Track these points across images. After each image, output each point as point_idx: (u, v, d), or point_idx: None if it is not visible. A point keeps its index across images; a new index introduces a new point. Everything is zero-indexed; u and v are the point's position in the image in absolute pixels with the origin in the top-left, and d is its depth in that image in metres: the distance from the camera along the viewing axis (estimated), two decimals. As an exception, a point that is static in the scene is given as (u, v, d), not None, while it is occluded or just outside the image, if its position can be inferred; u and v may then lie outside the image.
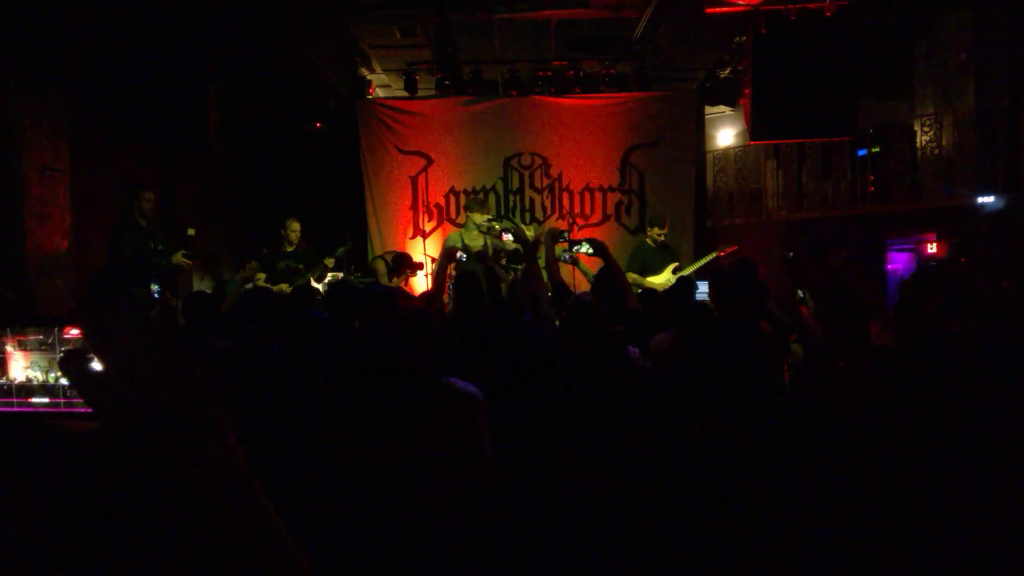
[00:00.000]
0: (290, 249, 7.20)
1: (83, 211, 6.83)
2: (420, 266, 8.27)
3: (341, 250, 7.65)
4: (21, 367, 0.71)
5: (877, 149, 11.44)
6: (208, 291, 7.55)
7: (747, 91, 7.73)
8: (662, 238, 7.61)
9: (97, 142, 6.41)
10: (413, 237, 9.42)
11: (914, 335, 3.64)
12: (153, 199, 6.20)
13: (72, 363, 0.63)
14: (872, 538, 2.38)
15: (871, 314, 3.87)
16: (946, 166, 10.81)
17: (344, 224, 9.66)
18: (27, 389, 0.70)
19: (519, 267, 7.36)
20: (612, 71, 9.70)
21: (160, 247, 6.21)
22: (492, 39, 9.27)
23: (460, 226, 9.46)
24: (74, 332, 0.69)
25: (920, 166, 11.14)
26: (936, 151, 10.97)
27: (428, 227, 9.45)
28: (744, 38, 8.36)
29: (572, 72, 9.63)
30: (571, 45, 9.58)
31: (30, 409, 0.69)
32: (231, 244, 9.13)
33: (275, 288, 7.03)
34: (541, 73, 9.70)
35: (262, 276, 7.24)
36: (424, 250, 9.06)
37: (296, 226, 7.19)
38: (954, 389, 2.88)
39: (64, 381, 0.69)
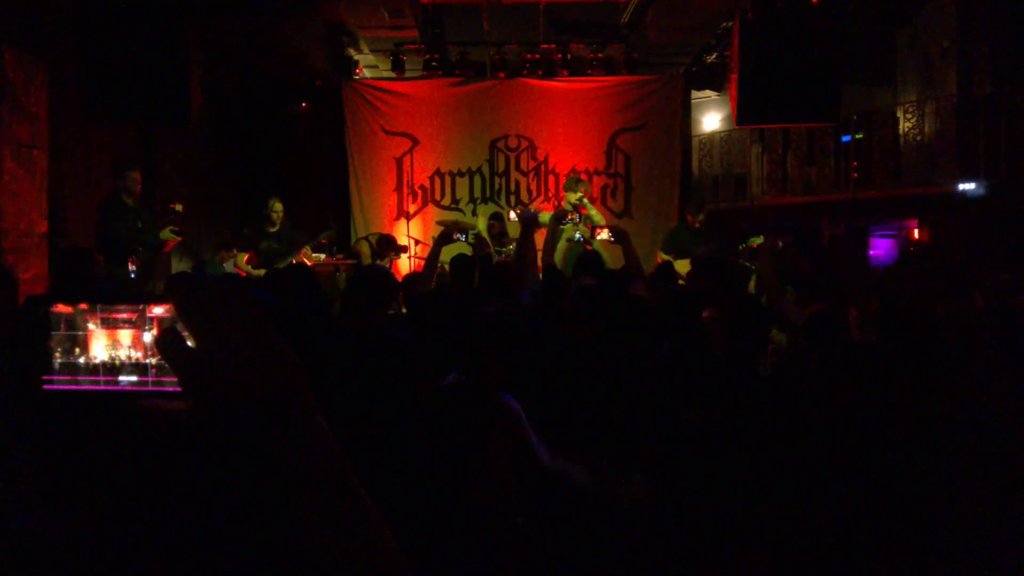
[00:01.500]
0: (273, 230, 7.13)
1: (60, 189, 6.74)
2: (405, 248, 8.25)
3: (325, 234, 7.61)
4: (106, 345, 0.70)
5: (860, 135, 11.52)
6: (188, 271, 7.51)
7: (733, 76, 7.76)
8: (697, 224, 7.50)
9: (75, 119, 6.30)
10: (397, 219, 9.38)
11: (896, 320, 3.68)
12: (138, 178, 6.12)
13: (168, 340, 0.62)
14: (865, 530, 2.41)
15: (856, 300, 3.90)
16: (928, 153, 10.92)
17: (327, 205, 9.61)
18: (114, 367, 0.69)
19: (507, 248, 7.37)
20: (600, 55, 9.68)
21: (145, 226, 6.15)
22: (480, 21, 9.21)
23: (445, 208, 9.47)
24: (158, 310, 0.68)
25: (902, 152, 11.24)
26: (918, 138, 11.07)
27: (412, 209, 9.42)
28: (731, 23, 8.37)
29: (560, 55, 9.60)
30: (559, 28, 9.54)
31: (118, 388, 0.69)
32: (213, 224, 9.05)
33: (255, 271, 6.99)
34: (529, 55, 9.65)
35: (244, 256, 7.19)
36: (408, 232, 9.03)
37: (278, 206, 7.12)
38: (939, 369, 2.92)
39: (152, 360, 0.69)
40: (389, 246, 7.64)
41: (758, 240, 7.09)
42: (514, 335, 2.56)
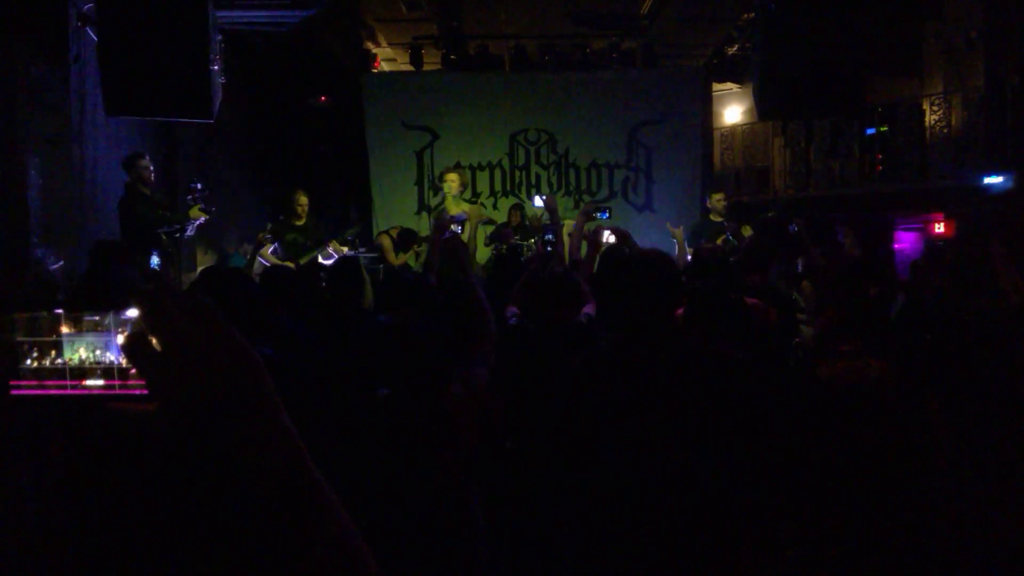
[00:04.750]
0: (299, 223, 7.14)
1: (86, 183, 6.82)
2: (427, 241, 8.24)
3: (351, 231, 7.61)
4: (75, 348, 0.71)
5: (885, 128, 11.35)
6: (214, 264, 7.56)
7: (755, 68, 7.67)
8: (722, 204, 7.11)
9: (100, 112, 6.36)
10: (419, 212, 9.38)
11: (921, 315, 3.63)
12: (150, 165, 6.12)
13: (134, 344, 0.63)
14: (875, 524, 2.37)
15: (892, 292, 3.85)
16: (955, 145, 10.74)
17: (348, 198, 9.63)
18: (81, 371, 0.69)
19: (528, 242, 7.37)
20: (619, 47, 9.61)
21: (164, 212, 6.16)
22: (498, 13, 9.18)
23: (467, 201, 9.46)
24: (126, 314, 0.67)
25: (928, 145, 11.06)
26: (945, 130, 10.89)
27: (434, 203, 9.40)
28: (752, 15, 8.27)
29: (579, 48, 9.54)
30: (578, 20, 9.48)
31: (85, 392, 0.69)
32: (236, 217, 9.10)
33: (276, 261, 7.01)
34: (547, 48, 9.61)
35: (268, 248, 7.20)
36: (430, 226, 9.02)
37: (303, 199, 7.12)
38: (958, 369, 2.86)
39: (120, 362, 0.69)
40: (412, 240, 7.64)
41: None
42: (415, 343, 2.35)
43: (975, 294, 3.80)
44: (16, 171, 6.12)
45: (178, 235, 6.33)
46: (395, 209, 9.37)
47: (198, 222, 6.22)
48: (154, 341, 0.63)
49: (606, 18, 9.44)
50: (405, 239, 7.65)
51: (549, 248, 4.72)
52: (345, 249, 7.64)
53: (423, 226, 8.92)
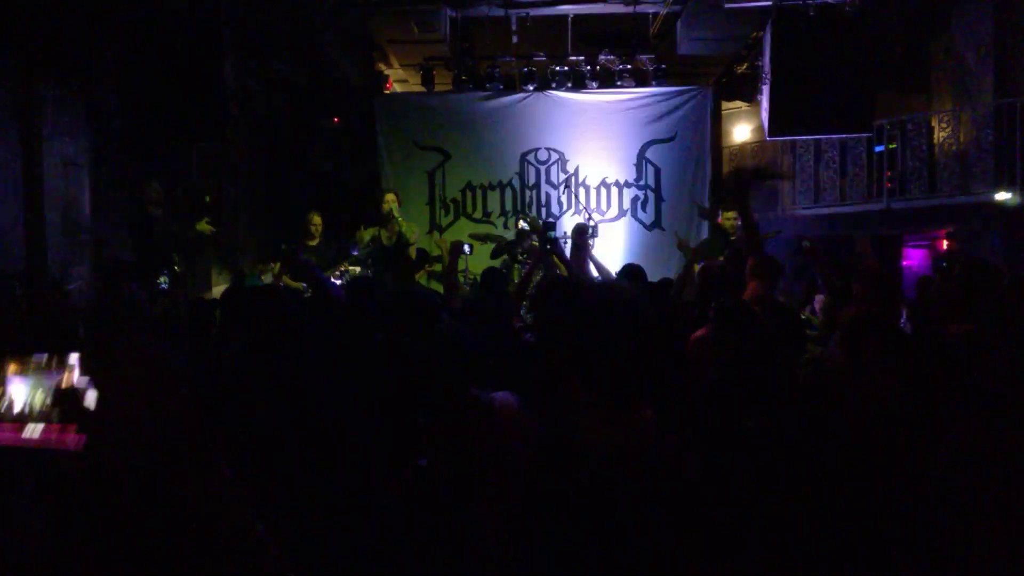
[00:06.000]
0: (312, 243, 7.22)
1: (103, 204, 6.92)
2: (439, 260, 8.31)
3: (363, 251, 7.68)
4: (19, 393, 0.70)
5: (894, 145, 11.38)
6: (206, 298, 7.62)
7: (764, 87, 7.73)
8: (732, 222, 6.96)
9: (116, 136, 6.47)
10: (430, 232, 9.45)
11: (920, 334, 3.65)
12: (159, 188, 6.19)
13: (64, 399, 0.64)
14: (872, 542, 2.40)
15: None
16: (963, 162, 10.75)
17: (361, 219, 9.70)
18: (20, 417, 0.70)
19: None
20: (629, 66, 9.70)
21: (179, 228, 6.22)
22: (509, 34, 9.28)
23: (477, 221, 9.54)
24: (74, 358, 0.68)
25: (937, 162, 11.08)
26: (953, 147, 10.91)
27: (445, 222, 9.49)
28: (761, 33, 8.34)
29: (589, 67, 9.64)
30: (588, 40, 9.58)
31: (23, 444, 0.70)
32: (250, 238, 9.19)
33: (294, 284, 7.08)
34: (558, 68, 9.70)
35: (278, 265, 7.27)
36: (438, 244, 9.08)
37: (318, 220, 7.21)
38: (949, 392, 2.88)
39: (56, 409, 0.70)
40: (424, 260, 7.72)
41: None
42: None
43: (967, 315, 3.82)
44: (35, 193, 6.22)
45: (193, 255, 6.38)
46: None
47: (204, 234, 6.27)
48: (93, 393, 0.63)
49: (616, 37, 9.54)
50: (419, 259, 7.72)
51: (549, 246, 4.77)
52: (358, 269, 7.71)
53: (433, 246, 8.98)
